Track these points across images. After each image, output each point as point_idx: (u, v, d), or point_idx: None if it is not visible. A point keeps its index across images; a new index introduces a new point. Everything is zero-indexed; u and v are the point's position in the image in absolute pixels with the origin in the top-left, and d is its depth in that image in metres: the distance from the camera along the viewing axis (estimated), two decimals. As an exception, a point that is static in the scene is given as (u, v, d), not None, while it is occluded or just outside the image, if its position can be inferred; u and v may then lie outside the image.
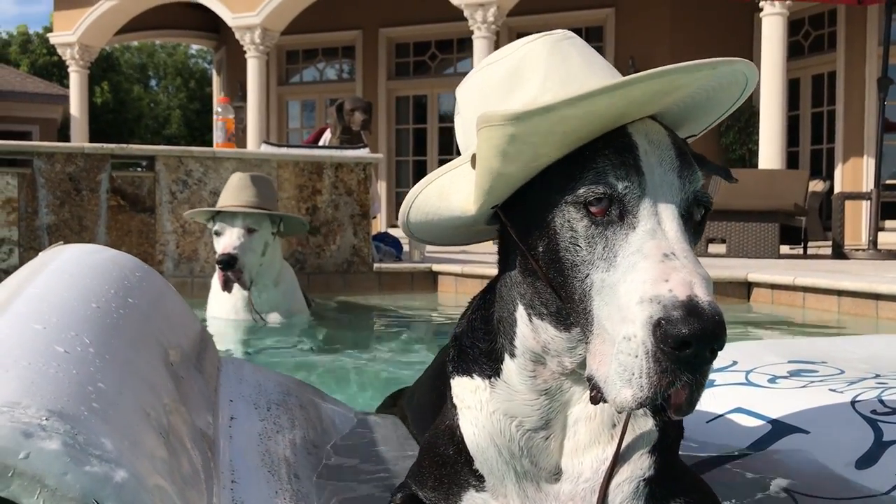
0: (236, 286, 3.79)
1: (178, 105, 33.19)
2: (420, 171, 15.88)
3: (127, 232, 4.99)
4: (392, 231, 8.13)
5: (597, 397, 0.99)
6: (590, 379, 1.00)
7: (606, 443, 1.13)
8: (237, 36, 13.98)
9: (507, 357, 1.15)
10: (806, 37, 13.16)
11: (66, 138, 18.91)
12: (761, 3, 10.27)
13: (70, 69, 16.04)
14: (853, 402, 1.70)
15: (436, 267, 5.75)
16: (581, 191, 0.99)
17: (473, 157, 1.07)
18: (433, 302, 5.37)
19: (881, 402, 1.67)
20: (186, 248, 5.21)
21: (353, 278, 5.56)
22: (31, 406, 0.91)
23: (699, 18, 13.07)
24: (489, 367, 1.18)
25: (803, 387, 1.79)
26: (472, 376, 1.20)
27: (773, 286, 4.41)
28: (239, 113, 17.02)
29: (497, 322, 1.18)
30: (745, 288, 4.77)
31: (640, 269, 0.92)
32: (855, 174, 12.41)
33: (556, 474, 1.15)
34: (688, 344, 0.87)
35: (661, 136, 1.02)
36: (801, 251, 8.79)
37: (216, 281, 3.87)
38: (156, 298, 1.53)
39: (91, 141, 16.20)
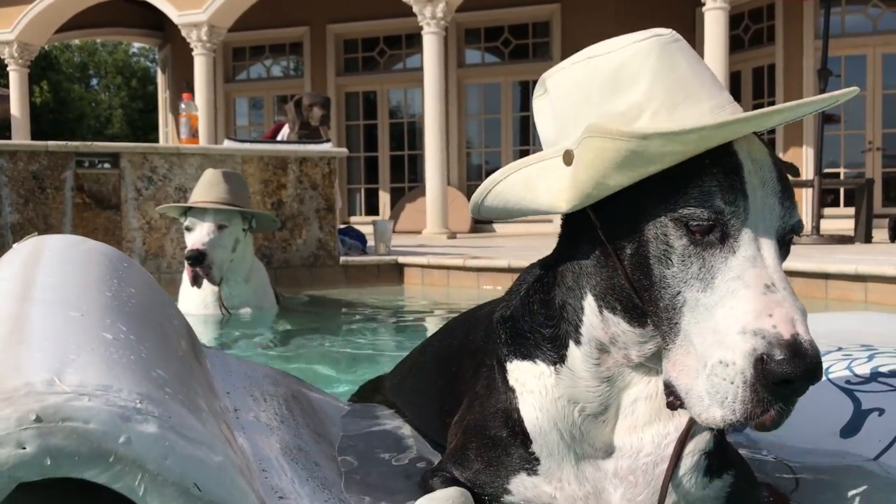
0: (206, 282, 3.82)
1: (119, 104, 32.56)
2: (371, 168, 15.88)
3: (93, 229, 4.97)
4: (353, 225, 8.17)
5: (674, 404, 1.02)
6: (668, 385, 1.02)
7: (667, 420, 1.16)
8: (183, 33, 13.80)
9: (571, 344, 1.16)
10: (746, 31, 13.51)
11: (5, 139, 18.46)
12: (703, -2, 10.54)
13: (9, 68, 15.65)
14: (826, 374, 1.77)
15: (402, 259, 5.83)
16: (685, 211, 0.98)
17: (566, 155, 1.07)
18: (400, 293, 5.46)
19: (852, 372, 1.76)
20: (153, 244, 5.21)
21: (319, 272, 5.61)
22: (122, 389, 0.87)
23: (643, 13, 13.33)
24: (554, 353, 1.19)
25: None
26: (535, 361, 1.21)
27: (729, 269, 4.57)
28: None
29: (560, 307, 1.18)
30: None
31: (742, 298, 0.94)
32: (795, 163, 12.80)
33: (611, 452, 1.18)
34: (790, 382, 0.91)
35: (764, 154, 1.03)
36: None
37: (186, 276, 3.90)
38: (147, 288, 1.51)
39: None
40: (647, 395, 1.16)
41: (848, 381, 1.72)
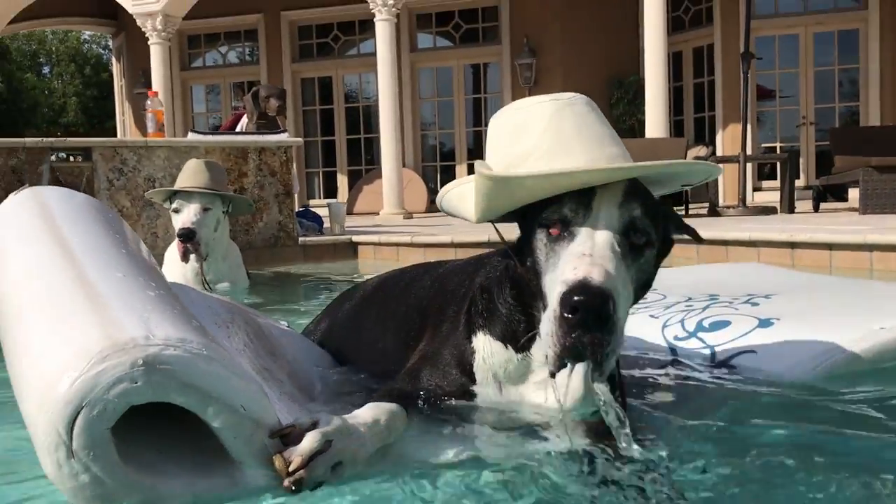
0: (192, 257, 4.29)
1: (73, 92, 32.31)
2: (329, 151, 16.20)
3: (69, 218, 5.34)
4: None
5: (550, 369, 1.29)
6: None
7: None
8: (139, 23, 13.93)
9: (538, 338, 1.42)
10: (686, 12, 14.04)
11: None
12: (642, -18, 11.01)
13: (-36, 60, 15.69)
14: (663, 327, 2.19)
15: (355, 238, 6.28)
16: (545, 215, 1.34)
17: None
18: (355, 268, 5.93)
19: (682, 326, 2.16)
20: (125, 230, 5.60)
21: (280, 251, 6.07)
22: (192, 340, 1.17)
23: (587, -3, 13.82)
24: (524, 343, 1.49)
25: (631, 314, 2.28)
26: (506, 346, 1.51)
27: (647, 239, 5.09)
28: (142, 100, 16.99)
29: (530, 307, 1.46)
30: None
31: (563, 264, 1.27)
32: (734, 139, 13.30)
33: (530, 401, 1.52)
34: (576, 309, 1.18)
35: (619, 185, 1.34)
36: (682, 211, 9.66)
37: (170, 254, 4.35)
38: (132, 236, 1.74)
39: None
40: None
41: (676, 336, 2.15)
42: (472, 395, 1.54)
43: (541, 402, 1.51)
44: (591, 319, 1.19)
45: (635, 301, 1.40)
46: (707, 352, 2.04)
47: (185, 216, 4.20)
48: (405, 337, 1.80)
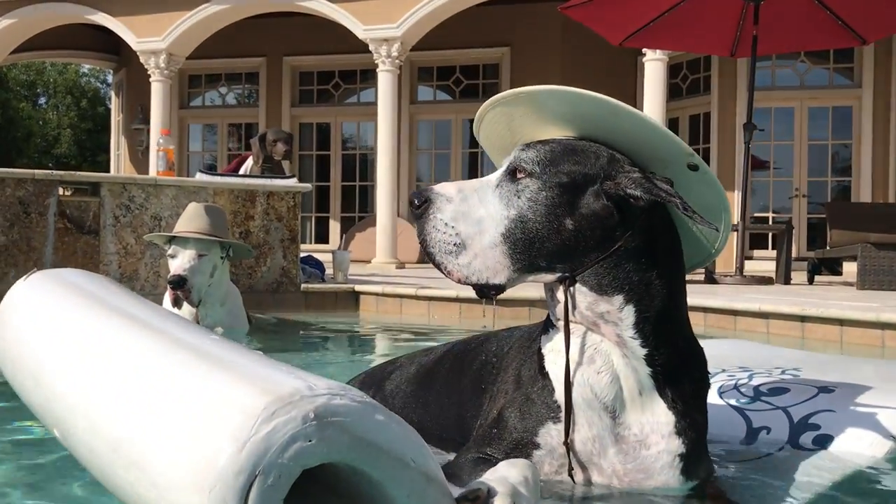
0: (185, 303, 4.21)
1: (68, 124, 32.33)
2: (323, 197, 16.24)
3: (73, 252, 5.30)
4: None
5: None
6: None
7: (652, 412, 1.48)
8: (142, 60, 14.01)
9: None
10: (684, 80, 14.28)
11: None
12: (644, 49, 11.23)
13: (-37, 86, 15.68)
14: (720, 393, 2.11)
15: (358, 287, 6.24)
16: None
17: None
18: (356, 319, 5.87)
19: (740, 392, 2.10)
20: (128, 268, 5.55)
21: (281, 297, 6.00)
22: (351, 389, 1.01)
23: (588, 60, 14.01)
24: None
25: None
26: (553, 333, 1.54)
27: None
28: (139, 135, 17.03)
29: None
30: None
31: None
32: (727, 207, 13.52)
33: (615, 416, 1.48)
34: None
35: (534, 142, 1.59)
36: (678, 276, 9.68)
37: (167, 298, 4.27)
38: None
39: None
40: (624, 374, 1.47)
41: (738, 401, 2.09)
42: (556, 409, 1.50)
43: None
44: (415, 212, 1.50)
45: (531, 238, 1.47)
46: (781, 414, 1.97)
47: (178, 263, 4.13)
48: (482, 383, 1.73)
